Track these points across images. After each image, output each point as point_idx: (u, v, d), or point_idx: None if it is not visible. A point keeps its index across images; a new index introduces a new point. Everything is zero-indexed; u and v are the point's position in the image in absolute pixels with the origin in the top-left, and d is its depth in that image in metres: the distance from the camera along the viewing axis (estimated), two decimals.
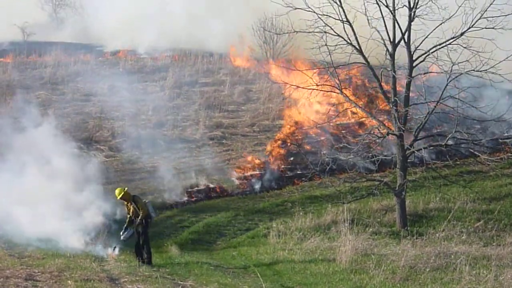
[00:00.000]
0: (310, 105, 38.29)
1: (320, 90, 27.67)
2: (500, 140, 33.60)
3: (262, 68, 45.88)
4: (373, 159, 27.48)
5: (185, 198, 30.88)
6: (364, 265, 20.73)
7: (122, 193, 20.27)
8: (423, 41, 25.21)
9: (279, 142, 36.41)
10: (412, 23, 25.33)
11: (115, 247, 20.82)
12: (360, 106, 30.44)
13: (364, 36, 25.53)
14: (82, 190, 24.29)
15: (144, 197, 23.21)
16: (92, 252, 20.77)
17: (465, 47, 24.79)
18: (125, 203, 20.55)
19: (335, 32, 25.67)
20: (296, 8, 26.15)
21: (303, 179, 32.44)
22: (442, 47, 25.08)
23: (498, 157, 29.21)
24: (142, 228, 20.36)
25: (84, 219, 22.72)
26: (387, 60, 25.85)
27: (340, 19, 25.63)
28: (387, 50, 25.67)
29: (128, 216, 20.55)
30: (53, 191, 22.79)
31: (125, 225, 20.61)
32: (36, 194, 21.96)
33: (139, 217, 20.22)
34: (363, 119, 37.11)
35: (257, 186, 32.89)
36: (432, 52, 25.24)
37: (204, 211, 29.75)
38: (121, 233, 20.68)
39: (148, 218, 20.48)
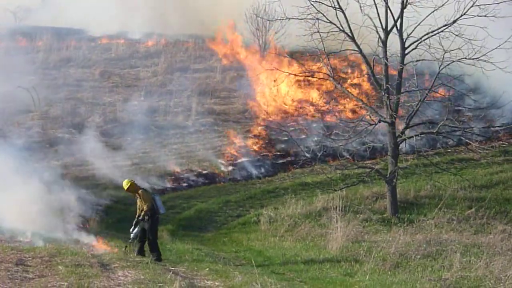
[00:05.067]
0: (302, 92, 38.27)
1: (312, 77, 27.69)
2: (492, 128, 33.72)
3: (255, 55, 45.82)
4: (364, 146, 27.51)
5: (176, 184, 30.86)
6: (354, 252, 20.74)
7: (129, 184, 18.97)
8: (415, 28, 25.21)
9: (270, 128, 36.39)
10: (404, 10, 25.32)
11: (125, 247, 19.10)
12: (352, 93, 30.40)
13: (356, 23, 25.52)
14: (71, 177, 24.20)
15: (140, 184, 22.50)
16: (81, 239, 20.58)
17: (457, 35, 24.81)
18: (134, 195, 19.16)
19: (327, 19, 25.66)
20: None
21: (294, 165, 32.49)
22: (434, 35, 25.08)
23: (490, 145, 29.29)
24: (149, 225, 18.78)
25: (74, 205, 22.67)
26: (379, 48, 25.82)
27: (333, 5, 25.60)
28: (379, 37, 25.65)
29: (138, 211, 19.02)
30: (41, 177, 22.62)
31: (135, 221, 18.97)
32: (23, 181, 21.60)
33: (143, 212, 18.72)
34: (355, 106, 37.12)
35: (249, 173, 32.91)
36: (424, 40, 25.24)
37: (195, 197, 29.80)
38: (131, 230, 19.04)
39: (155, 214, 18.90)
